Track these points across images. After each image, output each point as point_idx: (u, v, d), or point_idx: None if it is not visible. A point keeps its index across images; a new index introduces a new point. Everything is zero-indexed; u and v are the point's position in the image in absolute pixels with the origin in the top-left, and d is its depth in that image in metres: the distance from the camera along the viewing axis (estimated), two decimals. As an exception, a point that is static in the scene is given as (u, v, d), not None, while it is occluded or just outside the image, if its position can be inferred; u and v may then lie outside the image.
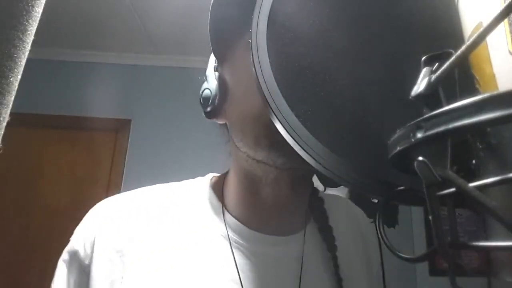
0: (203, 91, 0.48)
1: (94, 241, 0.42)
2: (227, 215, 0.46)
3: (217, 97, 0.46)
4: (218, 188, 0.49)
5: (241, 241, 0.44)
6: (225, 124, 0.51)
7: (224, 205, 0.47)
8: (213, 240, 0.44)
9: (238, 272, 0.41)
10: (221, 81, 0.47)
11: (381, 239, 0.22)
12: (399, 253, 0.20)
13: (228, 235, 0.44)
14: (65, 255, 0.43)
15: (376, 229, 0.23)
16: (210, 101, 0.47)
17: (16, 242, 2.17)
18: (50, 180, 2.29)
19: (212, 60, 0.51)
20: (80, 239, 0.43)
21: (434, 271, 1.98)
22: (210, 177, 0.52)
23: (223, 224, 0.45)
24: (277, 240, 0.45)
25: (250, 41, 0.32)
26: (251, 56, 0.31)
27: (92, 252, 0.41)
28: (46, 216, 2.22)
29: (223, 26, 0.45)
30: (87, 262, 0.41)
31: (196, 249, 0.42)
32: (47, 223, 2.21)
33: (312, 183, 0.51)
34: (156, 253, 0.41)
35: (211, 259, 0.42)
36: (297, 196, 0.47)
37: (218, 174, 0.53)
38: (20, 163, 2.26)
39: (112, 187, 2.29)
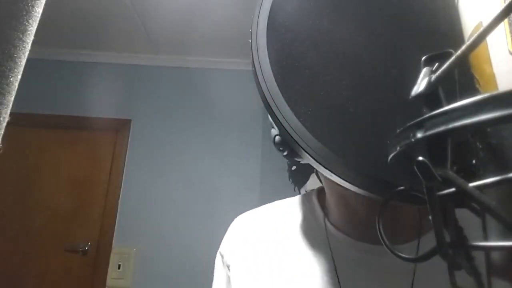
0: (274, 137, 0.47)
1: (233, 248, 0.51)
2: (328, 224, 0.47)
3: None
4: (323, 198, 0.51)
5: (342, 249, 0.44)
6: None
7: (326, 215, 0.48)
8: (315, 250, 0.45)
9: (338, 279, 0.41)
10: None
11: (381, 239, 0.22)
12: (399, 253, 0.20)
13: (329, 244, 0.45)
14: (218, 255, 0.54)
15: (378, 230, 0.23)
16: (285, 145, 0.45)
17: (16, 242, 2.17)
18: (50, 180, 2.29)
19: None
20: (225, 244, 0.54)
21: (434, 271, 1.97)
22: (319, 188, 0.53)
23: (324, 232, 0.46)
24: (382, 249, 0.42)
25: (250, 41, 0.32)
26: (251, 56, 0.31)
27: (232, 255, 0.51)
28: (46, 216, 2.22)
29: None
30: (229, 263, 0.51)
31: (300, 258, 0.45)
32: (47, 223, 2.21)
33: None
34: (269, 262, 0.47)
35: (314, 268, 0.43)
36: (395, 213, 0.44)
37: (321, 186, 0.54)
38: (20, 163, 2.26)
39: (112, 187, 2.29)
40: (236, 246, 0.51)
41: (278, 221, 0.51)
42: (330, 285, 0.41)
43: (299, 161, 0.49)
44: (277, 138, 0.46)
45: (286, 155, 0.46)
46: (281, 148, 0.45)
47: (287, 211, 0.52)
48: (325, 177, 0.47)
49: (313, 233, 0.47)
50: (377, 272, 0.41)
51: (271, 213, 0.53)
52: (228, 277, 0.50)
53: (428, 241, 0.44)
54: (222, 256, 0.53)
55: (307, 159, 0.28)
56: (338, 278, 0.42)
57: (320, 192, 0.52)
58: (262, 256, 0.48)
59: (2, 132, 0.24)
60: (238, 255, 0.50)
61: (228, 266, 0.51)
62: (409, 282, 0.39)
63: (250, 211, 0.56)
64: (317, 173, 0.51)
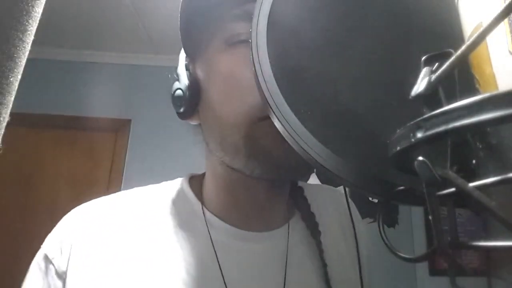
0: (175, 90, 0.46)
1: (71, 247, 0.40)
2: (208, 214, 0.44)
3: (189, 97, 0.44)
4: (198, 187, 0.48)
5: (223, 239, 0.42)
6: (199, 125, 0.48)
7: (203, 203, 0.45)
8: (194, 240, 0.42)
9: (221, 270, 0.40)
10: (193, 80, 0.45)
11: (381, 239, 0.22)
12: (399, 253, 0.20)
13: (209, 233, 0.43)
14: (39, 260, 0.41)
15: (379, 230, 0.23)
16: (183, 101, 0.44)
17: (16, 242, 2.17)
18: (50, 180, 2.29)
19: (183, 57, 0.48)
20: (56, 245, 0.41)
21: (434, 271, 1.98)
22: (188, 177, 0.51)
23: (204, 223, 0.43)
24: (260, 235, 0.44)
25: (250, 41, 0.32)
26: (251, 56, 0.31)
27: (68, 258, 0.40)
28: (46, 216, 2.22)
29: (195, 20, 0.43)
30: (63, 268, 0.39)
31: (177, 249, 0.41)
32: (47, 223, 2.20)
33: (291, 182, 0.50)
34: (133, 258, 0.40)
35: (193, 258, 0.41)
36: (275, 197, 0.46)
37: (196, 174, 0.52)
38: (20, 163, 2.26)
39: (112, 187, 2.29)
40: (80, 245, 0.40)
41: (141, 212, 0.44)
42: (213, 278, 0.40)
43: None
44: (178, 92, 0.45)
45: (181, 112, 0.44)
46: (178, 103, 0.45)
47: (151, 201, 0.46)
48: (211, 162, 0.46)
49: (190, 224, 0.43)
50: (256, 258, 0.43)
51: (128, 202, 0.45)
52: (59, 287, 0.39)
53: (295, 225, 0.47)
54: (50, 261, 0.40)
55: (307, 159, 0.28)
56: (221, 269, 0.40)
57: (192, 180, 0.50)
58: (124, 255, 0.40)
59: (2, 132, 0.24)
60: (84, 256, 0.39)
61: (62, 274, 0.39)
62: (283, 265, 0.43)
63: (94, 200, 0.46)
64: (317, 172, 0.51)
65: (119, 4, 1.96)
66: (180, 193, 0.47)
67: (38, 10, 0.26)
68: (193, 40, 0.44)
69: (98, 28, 2.22)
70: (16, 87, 0.25)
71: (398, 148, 0.18)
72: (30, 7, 0.25)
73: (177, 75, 0.47)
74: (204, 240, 0.42)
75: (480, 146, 0.18)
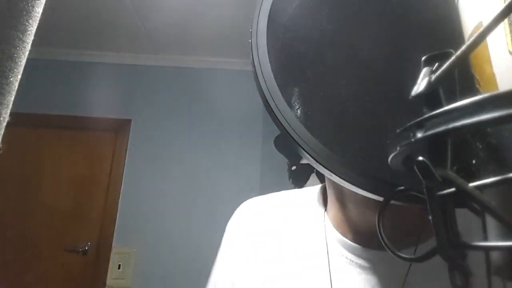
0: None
1: (234, 235, 0.52)
2: (328, 223, 0.47)
3: None
4: (324, 197, 0.51)
5: (339, 249, 0.44)
6: None
7: (327, 212, 0.48)
8: (312, 246, 0.45)
9: (331, 280, 0.42)
10: None
11: (381, 239, 0.22)
12: (399, 253, 0.20)
13: (326, 240, 0.44)
14: (224, 237, 0.54)
15: (378, 230, 0.23)
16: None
17: (16, 242, 2.17)
18: (50, 180, 2.29)
19: None
20: (228, 231, 0.54)
21: (434, 271, 1.97)
22: (323, 184, 0.53)
23: (323, 229, 0.46)
24: (376, 254, 0.42)
25: (250, 41, 0.32)
26: (251, 56, 0.31)
27: (232, 244, 0.51)
28: (46, 216, 2.22)
29: None
30: (230, 251, 0.51)
31: (294, 264, 0.45)
32: (47, 223, 2.21)
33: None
34: (267, 251, 0.47)
35: (308, 264, 0.44)
36: (399, 217, 0.42)
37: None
38: (20, 163, 2.26)
39: (112, 187, 2.29)
40: (239, 232, 0.52)
41: (283, 212, 0.51)
42: (322, 283, 0.42)
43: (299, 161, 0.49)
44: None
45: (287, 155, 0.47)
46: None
47: (293, 203, 0.52)
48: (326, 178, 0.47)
49: (311, 227, 0.47)
50: (368, 274, 0.41)
51: (277, 202, 0.54)
52: (229, 264, 0.51)
53: (425, 248, 0.44)
54: (228, 239, 0.54)
55: (307, 159, 0.28)
56: (330, 276, 0.42)
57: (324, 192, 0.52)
58: (261, 244, 0.48)
59: (2, 132, 0.24)
60: (240, 242, 0.51)
61: (230, 254, 0.51)
62: (401, 286, 0.40)
63: (258, 197, 0.56)
64: (317, 172, 0.51)
65: (119, 4, 1.97)
66: (314, 199, 0.51)
67: (38, 10, 0.26)
68: None
69: (98, 28, 2.22)
70: (16, 87, 0.25)
71: (398, 148, 0.18)
72: (30, 7, 0.25)
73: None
74: (320, 245, 0.45)
75: (480, 146, 0.18)
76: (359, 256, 0.42)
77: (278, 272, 0.45)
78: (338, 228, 0.45)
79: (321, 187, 0.52)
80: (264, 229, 0.50)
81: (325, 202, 0.49)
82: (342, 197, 0.45)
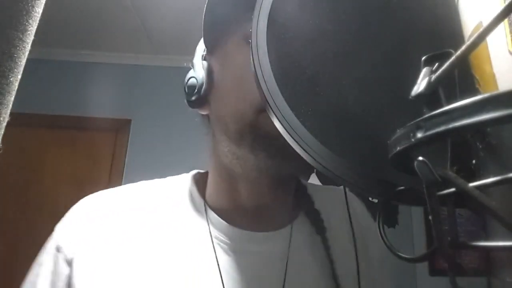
0: (188, 79, 0.47)
1: (78, 238, 0.42)
2: (210, 212, 0.45)
3: (203, 86, 0.46)
4: (202, 184, 0.48)
5: (224, 239, 0.43)
6: (207, 116, 0.50)
7: (206, 201, 0.46)
8: (195, 238, 0.43)
9: (220, 271, 0.41)
10: (209, 71, 0.47)
11: (381, 239, 0.22)
12: (399, 253, 0.20)
13: (210, 232, 0.43)
14: (49, 248, 0.44)
15: (379, 230, 0.23)
16: (196, 90, 0.46)
17: (16, 242, 2.17)
18: (50, 180, 2.29)
19: (201, 49, 0.51)
20: (64, 234, 0.44)
21: (434, 271, 1.98)
22: (194, 173, 0.51)
23: (205, 221, 0.44)
24: (261, 236, 0.44)
25: (250, 41, 0.32)
26: (251, 56, 0.31)
27: (75, 248, 0.42)
28: (47, 215, 2.22)
29: (219, 15, 0.45)
30: (71, 256, 0.41)
31: (176, 247, 0.42)
32: (47, 223, 2.20)
33: (297, 180, 0.50)
34: (133, 254, 0.41)
35: (192, 258, 0.41)
36: (278, 195, 0.46)
37: (202, 171, 0.52)
38: (20, 163, 2.26)
39: (112, 187, 2.28)
40: (86, 234, 0.42)
41: (144, 206, 0.45)
42: (211, 278, 0.40)
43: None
44: (192, 80, 0.46)
45: (193, 100, 0.46)
46: (190, 92, 0.46)
47: (155, 196, 0.47)
48: (216, 155, 0.46)
49: (192, 220, 0.44)
50: (255, 259, 0.43)
51: (133, 195, 0.47)
52: (66, 276, 0.40)
53: (299, 226, 0.47)
54: (59, 249, 0.43)
55: (306, 159, 0.28)
56: (219, 269, 0.41)
57: (197, 177, 0.50)
58: (125, 247, 0.41)
59: (2, 132, 0.24)
60: (89, 245, 0.41)
61: (69, 261, 0.41)
62: (284, 265, 0.42)
63: (100, 192, 0.48)
64: (317, 172, 0.51)
65: (119, 4, 1.96)
66: (184, 189, 0.48)
67: (38, 10, 0.26)
68: (215, 33, 0.47)
69: (98, 28, 2.22)
70: (16, 87, 0.25)
71: (398, 148, 0.18)
72: (30, 7, 0.25)
73: (193, 64, 0.49)
74: (204, 239, 0.43)
75: (480, 146, 0.18)
76: (247, 240, 0.43)
77: (159, 270, 0.40)
78: (222, 215, 0.44)
79: (191, 176, 0.50)
80: (128, 225, 0.43)
81: (200, 190, 0.47)
82: (231, 179, 0.45)
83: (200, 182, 0.49)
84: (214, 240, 0.43)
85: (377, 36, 0.30)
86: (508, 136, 0.17)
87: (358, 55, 0.30)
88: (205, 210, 0.45)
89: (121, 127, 2.39)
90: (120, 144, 2.37)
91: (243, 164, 0.42)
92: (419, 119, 0.16)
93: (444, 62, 0.17)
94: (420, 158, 0.16)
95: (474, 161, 0.19)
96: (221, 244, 0.43)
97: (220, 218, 0.44)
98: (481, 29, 0.15)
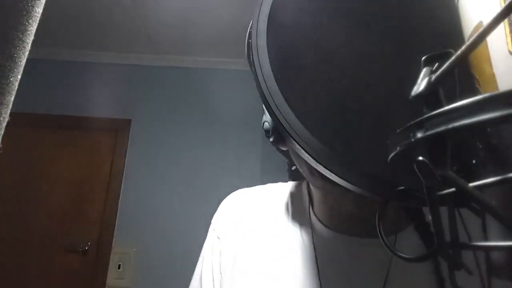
0: (263, 123, 0.50)
1: (224, 222, 0.55)
2: (313, 216, 0.49)
3: (274, 129, 0.48)
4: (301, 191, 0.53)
5: (324, 242, 0.45)
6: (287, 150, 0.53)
7: (312, 205, 0.50)
8: (300, 238, 0.47)
9: (319, 272, 0.43)
10: None
11: (380, 239, 0.22)
12: (399, 253, 0.20)
13: (312, 234, 0.47)
14: (210, 229, 0.57)
15: (378, 230, 0.23)
16: (270, 133, 0.48)
17: (16, 242, 2.17)
18: (50, 180, 2.29)
19: None
20: (218, 217, 0.57)
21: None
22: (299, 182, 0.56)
23: (309, 223, 0.49)
24: (360, 241, 0.44)
25: (250, 41, 0.32)
26: (251, 56, 0.31)
27: (224, 229, 0.54)
28: (46, 216, 2.22)
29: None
30: (220, 235, 0.53)
31: (284, 243, 0.47)
32: (47, 223, 2.21)
33: None
34: (257, 242, 0.49)
35: (295, 255, 0.45)
36: (367, 208, 0.43)
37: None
38: (20, 163, 2.26)
39: (112, 187, 2.29)
40: (227, 220, 0.54)
41: (270, 203, 0.53)
42: (310, 274, 0.44)
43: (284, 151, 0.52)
44: (266, 124, 0.49)
45: (272, 141, 0.48)
46: (268, 135, 0.49)
47: (279, 195, 0.55)
48: (309, 174, 0.47)
49: (298, 221, 0.50)
50: (355, 262, 0.44)
51: (264, 194, 0.56)
52: (218, 250, 0.52)
53: (404, 237, 0.45)
54: (213, 229, 0.56)
55: (307, 159, 0.28)
56: (318, 267, 0.44)
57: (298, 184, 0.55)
58: (248, 235, 0.50)
59: (2, 132, 0.24)
60: (228, 229, 0.53)
61: (220, 237, 0.54)
62: (385, 272, 0.42)
63: (245, 189, 0.59)
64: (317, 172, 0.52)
65: (119, 4, 1.97)
66: (299, 192, 0.54)
67: (38, 10, 0.26)
68: None
69: (98, 28, 2.22)
70: (16, 87, 0.25)
71: (398, 148, 0.18)
72: (30, 7, 0.25)
73: (264, 108, 0.52)
74: (308, 241, 0.47)
75: (480, 146, 0.18)
76: (345, 243, 0.45)
77: (267, 260, 0.46)
78: (323, 221, 0.48)
79: (306, 181, 0.54)
80: (254, 219, 0.52)
81: (310, 196, 0.52)
82: (323, 196, 0.47)
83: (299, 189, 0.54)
84: (315, 242, 0.46)
85: (377, 35, 0.30)
86: (508, 136, 0.17)
87: (358, 54, 0.30)
88: (309, 214, 0.49)
89: (121, 127, 2.39)
90: (120, 144, 2.37)
91: (322, 191, 0.45)
92: (419, 119, 0.16)
93: (444, 62, 0.17)
94: (420, 158, 0.16)
95: (474, 161, 0.19)
96: (322, 247, 0.45)
97: (320, 223, 0.47)
98: (481, 29, 0.15)
